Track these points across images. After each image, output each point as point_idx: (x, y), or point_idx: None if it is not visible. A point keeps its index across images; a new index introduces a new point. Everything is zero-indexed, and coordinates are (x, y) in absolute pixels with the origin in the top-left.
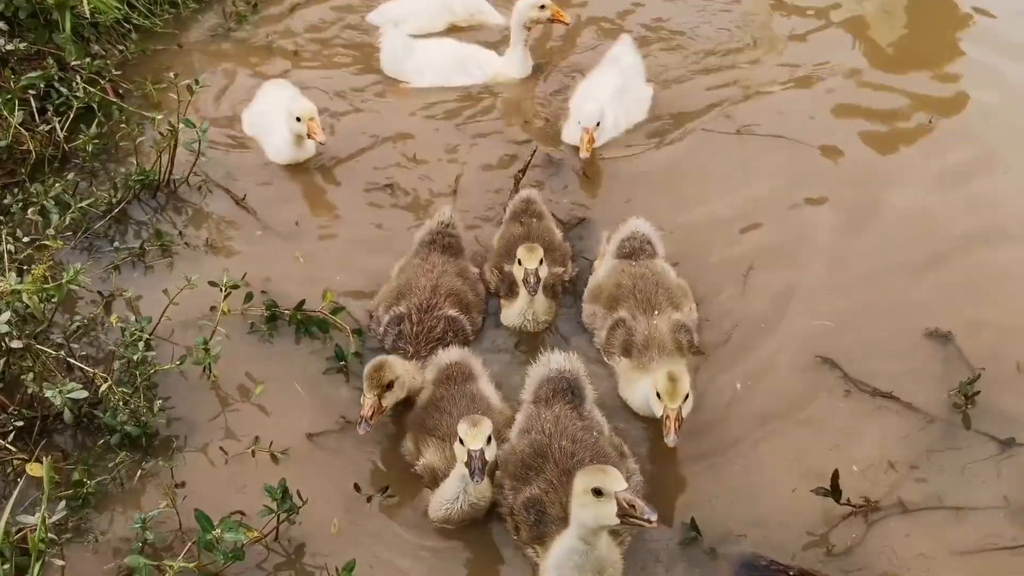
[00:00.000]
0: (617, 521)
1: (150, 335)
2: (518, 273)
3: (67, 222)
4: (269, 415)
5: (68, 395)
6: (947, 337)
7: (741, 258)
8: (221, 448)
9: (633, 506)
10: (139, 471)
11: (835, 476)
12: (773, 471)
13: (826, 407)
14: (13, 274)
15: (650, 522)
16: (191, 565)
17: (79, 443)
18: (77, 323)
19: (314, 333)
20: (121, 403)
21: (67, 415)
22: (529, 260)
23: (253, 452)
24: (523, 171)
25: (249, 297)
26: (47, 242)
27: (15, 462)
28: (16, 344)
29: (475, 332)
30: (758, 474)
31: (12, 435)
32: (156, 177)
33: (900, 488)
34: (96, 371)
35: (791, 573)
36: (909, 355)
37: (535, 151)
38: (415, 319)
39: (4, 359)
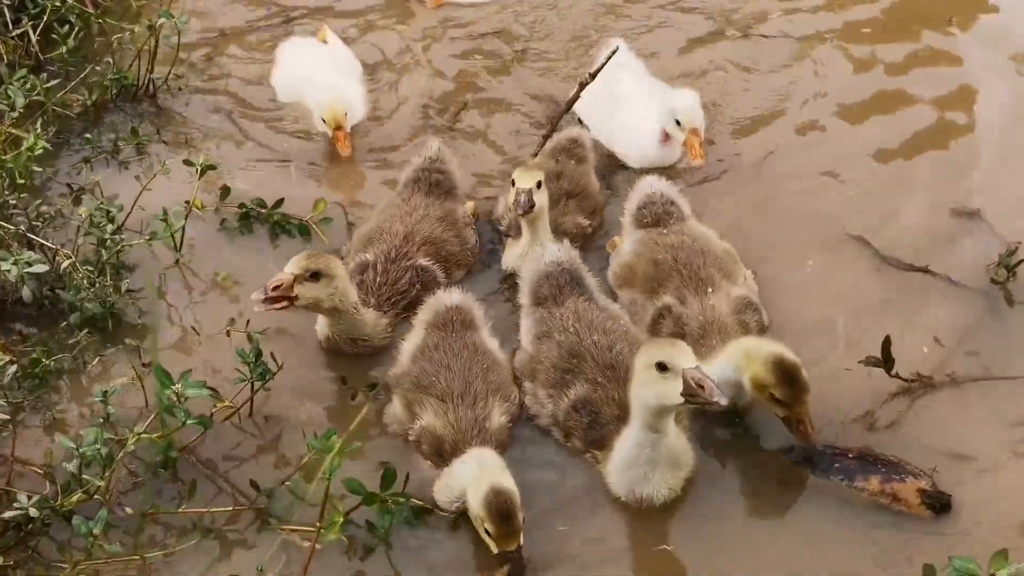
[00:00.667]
0: (681, 401)
1: (122, 224)
2: (509, 196)
3: (31, 110)
4: (244, 305)
5: (27, 269)
6: (975, 214)
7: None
8: (193, 329)
9: (702, 386)
10: (100, 355)
11: (887, 344)
12: (817, 347)
13: (858, 284)
14: None
15: (720, 404)
16: (154, 436)
17: (41, 329)
18: (43, 208)
19: (291, 233)
20: (84, 281)
21: (26, 292)
22: (523, 179)
23: (228, 332)
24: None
25: (226, 192)
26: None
27: None
28: None
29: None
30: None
31: None
32: (134, 81)
33: (948, 363)
34: (59, 248)
35: (849, 455)
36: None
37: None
38: (380, 268)
39: None
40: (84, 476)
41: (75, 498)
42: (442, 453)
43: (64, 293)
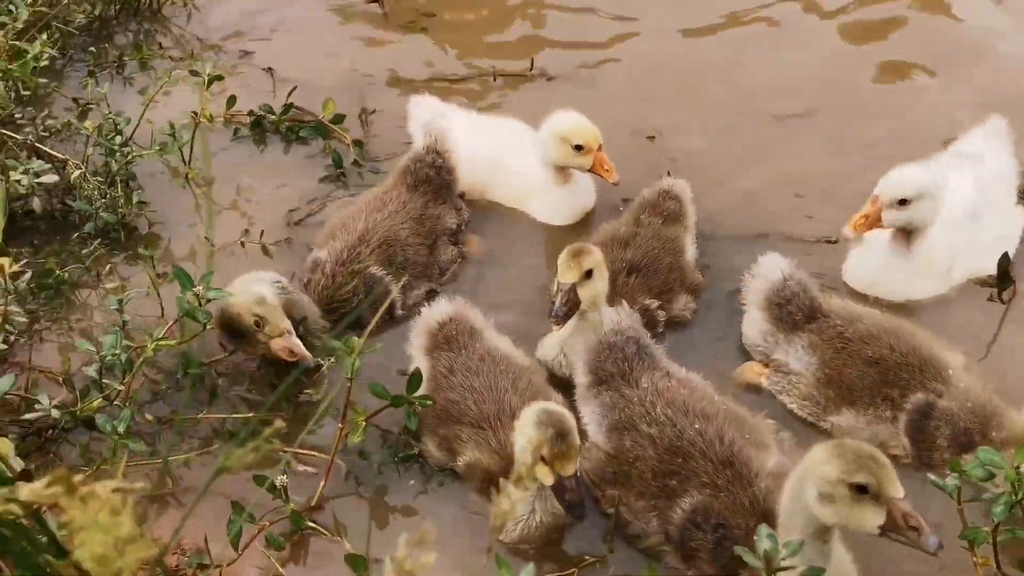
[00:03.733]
0: (877, 533)
1: (130, 137)
2: (552, 285)
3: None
4: (258, 213)
5: (36, 179)
6: None
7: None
8: (207, 238)
9: (917, 529)
10: (110, 264)
11: (1004, 260)
12: None
13: None
14: None
15: (931, 551)
16: (173, 343)
17: (52, 240)
18: (49, 121)
19: (304, 138)
20: (96, 192)
21: (36, 203)
22: (565, 270)
23: (243, 243)
24: None
25: (232, 101)
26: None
27: None
28: None
29: (405, 306)
30: None
31: None
32: None
33: None
34: (68, 158)
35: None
36: None
37: None
38: (328, 271)
39: None
40: (104, 381)
41: (95, 403)
42: (495, 484)
43: (76, 203)
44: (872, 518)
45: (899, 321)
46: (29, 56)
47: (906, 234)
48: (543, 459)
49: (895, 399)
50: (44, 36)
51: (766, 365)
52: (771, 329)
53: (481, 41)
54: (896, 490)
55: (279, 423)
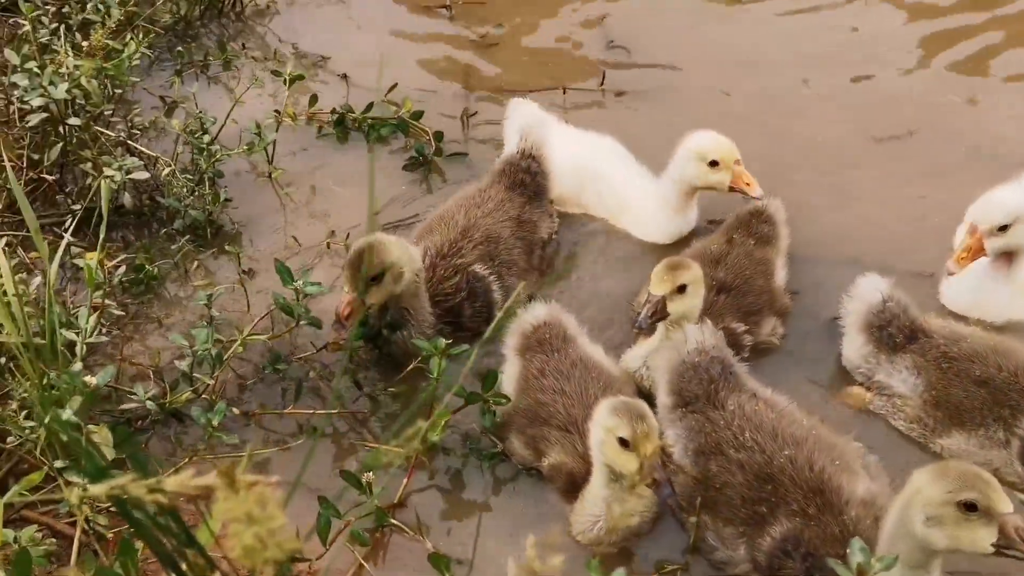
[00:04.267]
0: (990, 551)
1: (216, 136)
2: (641, 294)
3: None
4: (343, 214)
5: (129, 175)
6: None
7: None
8: (294, 238)
9: None
10: (197, 260)
11: None
12: None
13: None
14: (70, 50)
15: None
16: (264, 337)
17: (143, 236)
18: (137, 119)
19: (384, 137)
20: (185, 190)
21: (127, 199)
22: (658, 282)
23: (328, 244)
24: None
25: (314, 100)
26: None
27: (72, 251)
28: (74, 121)
29: (501, 308)
30: None
31: (71, 226)
32: None
33: None
34: (159, 156)
35: None
36: None
37: None
38: (427, 263)
39: (61, 144)
40: (194, 375)
41: (184, 396)
42: (578, 487)
43: (165, 200)
44: (984, 536)
45: (1005, 340)
46: (124, 55)
47: (1007, 256)
48: (624, 445)
49: (1007, 420)
50: (139, 35)
51: (868, 388)
52: (872, 351)
53: (551, 55)
54: (1006, 505)
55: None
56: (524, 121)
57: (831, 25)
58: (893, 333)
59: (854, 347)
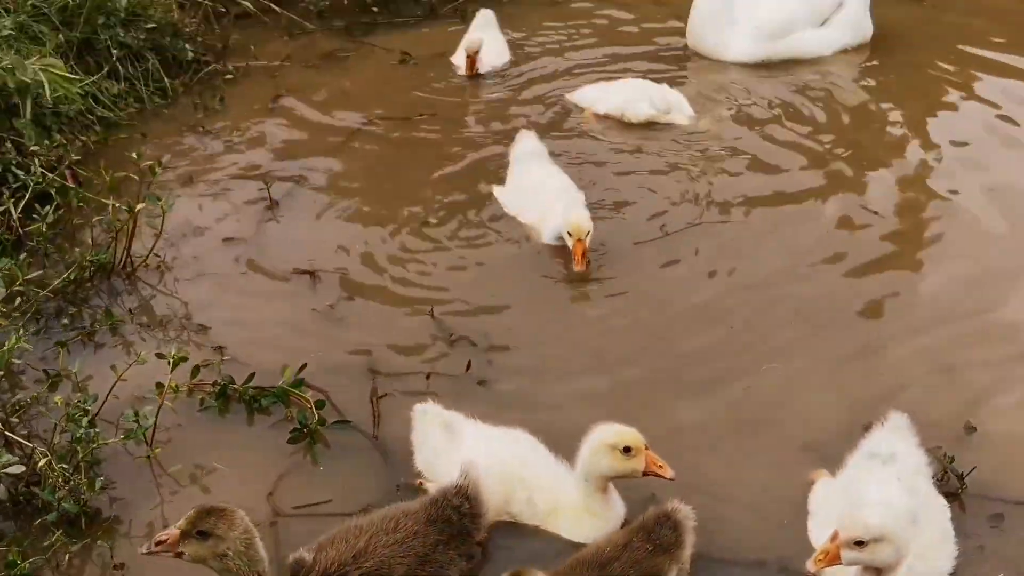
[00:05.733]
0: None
1: (96, 414)
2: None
3: (12, 298)
4: (228, 495)
5: (4, 469)
6: None
7: None
8: (166, 527)
9: None
10: (69, 553)
11: None
12: None
13: None
14: None
15: None
16: None
17: (16, 526)
18: (18, 399)
19: (265, 408)
20: (61, 480)
21: (1, 490)
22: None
23: None
24: None
25: (196, 371)
26: None
27: None
28: None
29: None
30: None
31: None
32: (111, 259)
33: None
34: (35, 446)
35: None
36: None
37: None
38: None
39: None
40: None
41: None
42: None
43: (41, 492)
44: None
45: None
46: (5, 348)
47: (876, 572)
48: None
49: None
50: (20, 332)
51: None
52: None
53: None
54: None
55: None
56: (431, 429)
57: None
58: None
59: None
